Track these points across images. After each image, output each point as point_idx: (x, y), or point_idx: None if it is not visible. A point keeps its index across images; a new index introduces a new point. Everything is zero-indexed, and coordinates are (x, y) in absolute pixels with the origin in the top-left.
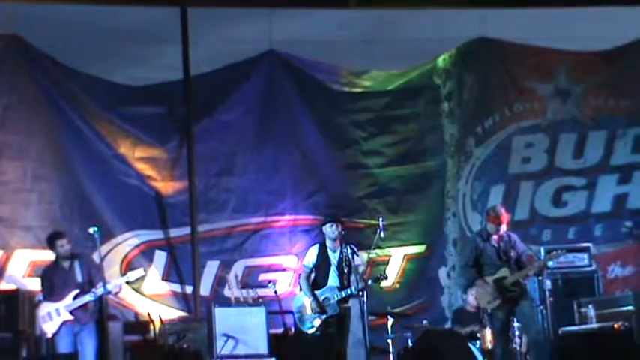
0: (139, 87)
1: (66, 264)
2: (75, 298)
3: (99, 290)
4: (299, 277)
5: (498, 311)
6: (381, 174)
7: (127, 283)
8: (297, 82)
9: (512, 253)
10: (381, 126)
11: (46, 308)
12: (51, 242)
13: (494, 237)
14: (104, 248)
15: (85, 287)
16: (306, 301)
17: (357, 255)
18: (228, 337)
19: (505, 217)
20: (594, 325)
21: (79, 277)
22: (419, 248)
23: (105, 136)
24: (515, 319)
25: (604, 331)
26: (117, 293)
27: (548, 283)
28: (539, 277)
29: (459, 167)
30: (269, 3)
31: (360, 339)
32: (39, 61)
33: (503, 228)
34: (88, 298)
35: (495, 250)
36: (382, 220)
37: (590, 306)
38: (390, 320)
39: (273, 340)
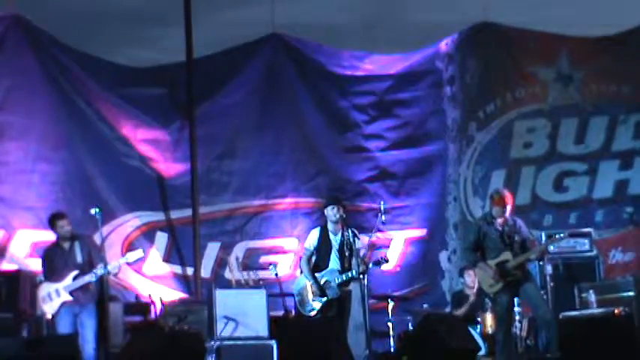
0: (142, 68)
1: (66, 245)
2: (75, 279)
3: (99, 271)
4: (300, 260)
5: (501, 295)
6: (382, 157)
7: (127, 264)
8: (299, 65)
9: (516, 238)
10: (382, 109)
11: (45, 289)
12: (51, 223)
13: (499, 220)
14: (105, 229)
15: (85, 268)
16: (307, 284)
17: (358, 238)
18: (229, 319)
19: (509, 198)
20: (595, 311)
21: (79, 258)
22: (420, 232)
23: (107, 117)
24: (515, 304)
25: (605, 317)
26: (116, 274)
27: (549, 269)
28: (540, 263)
29: (461, 151)
30: None
31: (360, 322)
32: (41, 41)
33: (508, 210)
34: (87, 278)
35: (499, 234)
36: (383, 204)
37: (591, 291)
38: (391, 304)
39: (274, 323)
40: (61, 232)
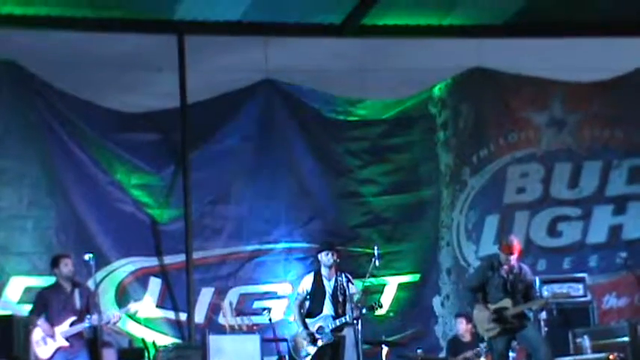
0: (136, 114)
1: (67, 287)
2: (71, 325)
3: (94, 318)
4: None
5: (497, 340)
6: (375, 202)
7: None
8: (292, 110)
9: (520, 286)
10: (376, 155)
11: (40, 333)
12: (55, 262)
13: (505, 267)
14: (99, 275)
15: (82, 316)
16: (300, 329)
17: (352, 283)
18: None
19: (516, 247)
20: (589, 356)
21: (78, 304)
22: (413, 277)
23: (101, 162)
24: (510, 349)
25: None
26: (115, 323)
27: (543, 314)
28: (534, 308)
29: (454, 196)
30: (265, 31)
31: None
32: (35, 87)
33: (514, 258)
34: (84, 325)
35: (502, 282)
36: (377, 249)
37: (585, 336)
38: (385, 349)
39: None
40: (64, 271)
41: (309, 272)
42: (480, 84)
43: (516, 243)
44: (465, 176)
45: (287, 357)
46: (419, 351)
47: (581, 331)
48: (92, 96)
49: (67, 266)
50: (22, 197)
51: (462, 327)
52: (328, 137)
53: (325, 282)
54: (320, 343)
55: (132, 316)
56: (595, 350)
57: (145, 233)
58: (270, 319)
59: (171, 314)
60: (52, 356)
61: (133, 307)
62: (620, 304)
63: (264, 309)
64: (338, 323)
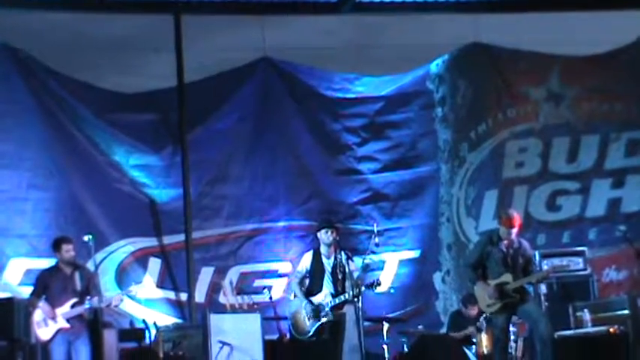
0: (133, 94)
1: (68, 270)
2: (72, 306)
3: (94, 300)
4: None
5: (497, 316)
6: (374, 179)
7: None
8: (290, 88)
9: (520, 260)
10: (374, 131)
11: (41, 314)
12: (57, 246)
13: (505, 242)
14: (99, 256)
15: (83, 297)
16: (301, 307)
17: (352, 261)
18: (224, 343)
19: (517, 220)
20: (590, 329)
21: (79, 286)
22: (413, 253)
23: (99, 143)
24: (511, 324)
25: (599, 335)
26: (116, 305)
27: (543, 288)
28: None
29: (453, 172)
30: (262, 10)
31: (355, 345)
32: (32, 69)
33: (514, 232)
34: (84, 307)
35: (502, 256)
36: (376, 226)
37: (585, 310)
38: (385, 326)
39: (269, 347)
40: (65, 256)
41: (308, 250)
42: (478, 59)
43: (517, 216)
44: (464, 152)
45: (288, 335)
46: (420, 327)
47: (581, 305)
48: (89, 77)
49: (68, 252)
50: (21, 180)
51: (476, 312)
52: (326, 115)
53: (324, 260)
54: (322, 319)
55: (132, 297)
56: (595, 323)
57: (144, 214)
58: (270, 298)
59: (171, 294)
60: (53, 337)
61: (134, 289)
62: (619, 277)
63: (265, 287)
64: (337, 301)
